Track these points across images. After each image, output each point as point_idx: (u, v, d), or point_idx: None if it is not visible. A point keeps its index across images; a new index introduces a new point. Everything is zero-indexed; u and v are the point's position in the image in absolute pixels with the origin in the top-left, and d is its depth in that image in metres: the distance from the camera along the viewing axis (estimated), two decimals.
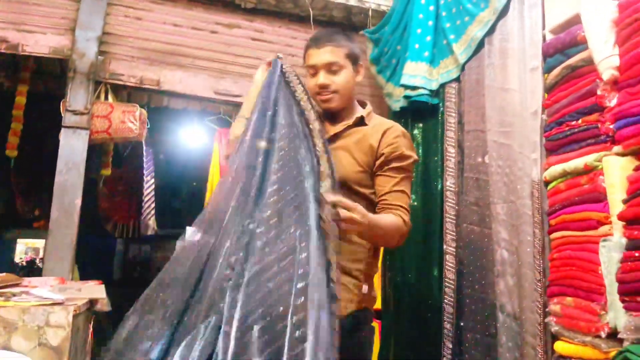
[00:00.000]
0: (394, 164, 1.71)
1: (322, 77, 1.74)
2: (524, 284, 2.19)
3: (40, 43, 3.44)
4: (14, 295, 2.48)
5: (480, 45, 2.76)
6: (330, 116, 1.82)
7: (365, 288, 1.71)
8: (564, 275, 1.99)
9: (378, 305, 3.19)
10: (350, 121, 1.79)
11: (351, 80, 1.79)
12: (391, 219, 1.62)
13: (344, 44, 1.77)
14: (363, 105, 1.88)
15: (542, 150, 2.28)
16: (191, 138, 6.28)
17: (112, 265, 12.91)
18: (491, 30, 2.69)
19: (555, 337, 2.03)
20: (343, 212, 1.36)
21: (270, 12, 3.95)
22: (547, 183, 2.23)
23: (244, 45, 3.86)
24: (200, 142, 6.36)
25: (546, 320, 2.07)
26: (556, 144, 2.16)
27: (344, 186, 1.63)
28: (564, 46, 2.14)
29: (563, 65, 2.14)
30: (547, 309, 2.08)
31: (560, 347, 1.96)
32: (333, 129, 1.79)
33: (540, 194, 2.22)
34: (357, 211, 1.39)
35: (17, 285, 2.74)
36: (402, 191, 1.71)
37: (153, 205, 5.56)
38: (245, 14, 3.90)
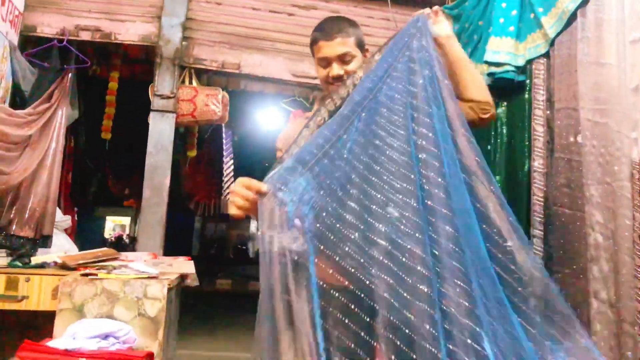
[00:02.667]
0: None
1: (336, 69, 1.73)
2: (622, 270, 2.08)
3: (130, 31, 3.63)
4: (115, 268, 2.68)
5: (572, 18, 2.61)
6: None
7: None
8: None
9: None
10: None
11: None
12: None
13: (352, 32, 1.75)
14: None
15: None
16: (266, 120, 6.42)
17: (191, 242, 13.57)
18: (584, 2, 2.53)
19: None
20: None
21: None
22: None
23: None
24: (275, 124, 6.49)
25: None
26: None
27: None
28: None
29: None
30: None
31: None
32: None
33: None
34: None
35: (115, 259, 2.96)
36: None
37: (232, 185, 5.76)
38: None
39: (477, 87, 1.72)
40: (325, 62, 1.75)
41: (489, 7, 3.14)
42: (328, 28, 1.75)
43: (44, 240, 3.22)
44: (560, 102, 2.66)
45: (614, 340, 2.08)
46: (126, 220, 13.90)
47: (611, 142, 2.24)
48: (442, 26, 1.66)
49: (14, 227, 2.96)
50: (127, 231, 13.56)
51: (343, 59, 1.72)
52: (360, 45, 1.77)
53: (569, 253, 2.43)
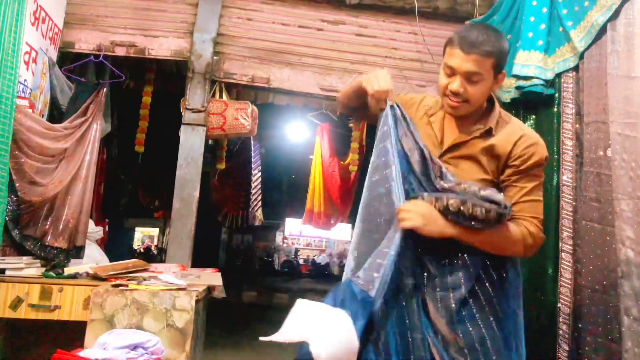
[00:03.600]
0: (525, 174, 1.63)
1: (457, 84, 1.61)
2: None
3: (163, 46, 3.74)
4: (145, 279, 2.73)
5: (602, 32, 2.59)
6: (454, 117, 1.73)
7: None
8: None
9: None
10: (477, 132, 1.67)
11: (487, 92, 1.66)
12: (507, 229, 1.57)
13: (494, 52, 1.59)
14: (491, 103, 1.73)
15: None
16: (293, 133, 6.49)
17: (218, 253, 13.70)
18: (615, 15, 2.51)
19: None
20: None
21: (373, 7, 3.97)
22: None
23: (348, 42, 3.92)
24: (302, 137, 6.55)
25: None
26: None
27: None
28: None
29: None
30: None
31: None
32: (459, 137, 1.69)
33: None
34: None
35: (145, 270, 3.01)
36: (532, 200, 1.62)
37: (260, 197, 5.83)
38: (349, 10, 3.97)
39: (517, 250, 1.61)
40: (450, 72, 1.62)
41: (518, 21, 3.14)
42: (470, 39, 1.58)
43: (77, 251, 3.30)
44: (590, 115, 2.63)
45: None
46: (154, 232, 14.13)
47: None
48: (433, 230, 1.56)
49: (48, 237, 3.04)
50: (155, 242, 13.76)
51: (470, 77, 1.59)
52: (498, 68, 1.63)
53: (598, 268, 2.39)
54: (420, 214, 1.52)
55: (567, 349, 2.51)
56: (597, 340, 2.34)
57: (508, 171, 1.63)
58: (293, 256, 21.01)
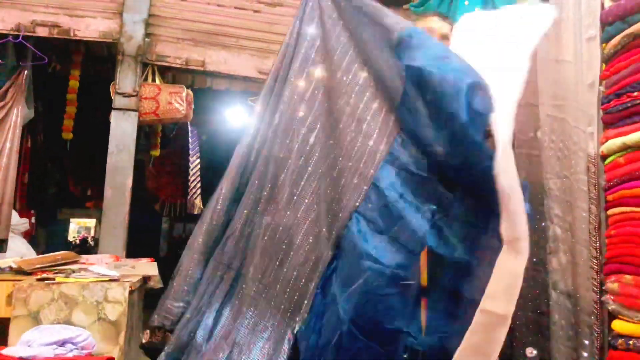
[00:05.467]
0: None
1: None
2: (579, 262, 2.13)
3: (90, 27, 3.53)
4: (74, 272, 2.61)
5: None
6: None
7: None
8: (622, 252, 1.92)
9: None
10: None
11: None
12: None
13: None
14: None
15: (599, 123, 2.18)
16: (234, 118, 6.35)
17: (159, 243, 13.33)
18: (544, 0, 2.58)
19: (612, 316, 1.97)
20: None
21: None
22: (604, 157, 2.14)
23: (287, 24, 3.82)
24: (243, 122, 6.42)
25: (603, 298, 2.01)
26: (615, 116, 2.06)
27: None
28: (625, 13, 2.03)
29: (623, 33, 2.03)
30: (603, 287, 2.02)
31: (618, 325, 1.90)
32: None
33: (597, 169, 2.14)
34: None
35: (75, 262, 2.88)
36: None
37: (199, 184, 5.68)
38: None
39: None
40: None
41: (453, 5, 3.17)
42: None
43: None
44: (521, 98, 2.70)
45: (572, 330, 2.12)
46: (91, 222, 13.57)
47: (568, 137, 2.29)
48: None
49: None
50: (93, 233, 13.23)
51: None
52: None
53: (530, 246, 2.47)
54: None
55: None
56: (527, 314, 2.43)
57: None
58: None
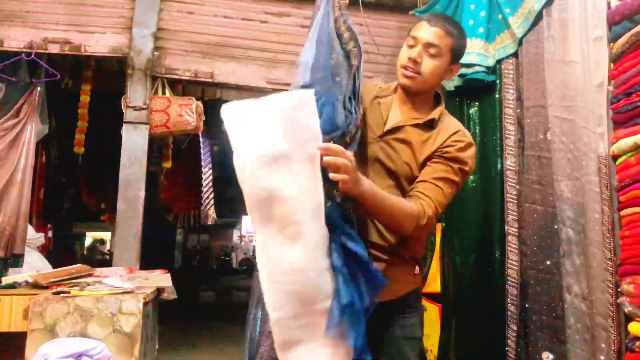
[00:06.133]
0: (443, 161, 1.62)
1: (417, 53, 1.64)
2: (593, 264, 2.11)
3: (100, 43, 3.58)
4: (88, 284, 2.62)
5: (539, 18, 2.65)
6: (401, 98, 1.74)
7: (417, 269, 1.71)
8: (637, 253, 1.90)
9: (437, 288, 3.17)
10: (420, 119, 1.69)
11: (440, 73, 1.69)
12: (404, 202, 1.54)
13: (455, 34, 1.66)
14: (437, 99, 1.77)
15: (608, 123, 2.17)
16: None
17: (173, 254, 13.43)
18: (549, 1, 2.58)
19: (628, 318, 1.95)
20: (327, 158, 1.33)
21: None
22: (615, 158, 2.13)
23: (293, 34, 3.87)
24: None
25: (618, 300, 1.98)
26: (625, 116, 2.05)
27: (393, 177, 1.63)
28: (631, 12, 2.02)
29: (631, 32, 2.03)
30: (619, 289, 1.99)
31: (636, 328, 1.87)
32: (401, 121, 1.70)
33: (608, 170, 2.13)
34: (345, 155, 1.35)
35: (90, 275, 2.90)
36: (438, 185, 1.59)
37: (212, 195, 5.71)
38: (293, 2, 3.91)
39: (407, 227, 1.54)
40: (414, 42, 1.66)
41: (459, 10, 3.18)
42: (439, 18, 1.69)
43: (15, 259, 3.15)
44: (529, 100, 2.70)
45: (588, 333, 2.10)
46: (107, 235, 13.71)
47: (578, 138, 2.27)
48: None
49: None
50: (108, 246, 13.36)
51: (429, 49, 1.64)
52: (455, 55, 1.69)
53: (542, 249, 2.46)
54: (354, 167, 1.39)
55: (515, 328, 2.57)
56: (542, 318, 2.40)
57: (434, 157, 1.64)
58: (251, 254, 20.85)
